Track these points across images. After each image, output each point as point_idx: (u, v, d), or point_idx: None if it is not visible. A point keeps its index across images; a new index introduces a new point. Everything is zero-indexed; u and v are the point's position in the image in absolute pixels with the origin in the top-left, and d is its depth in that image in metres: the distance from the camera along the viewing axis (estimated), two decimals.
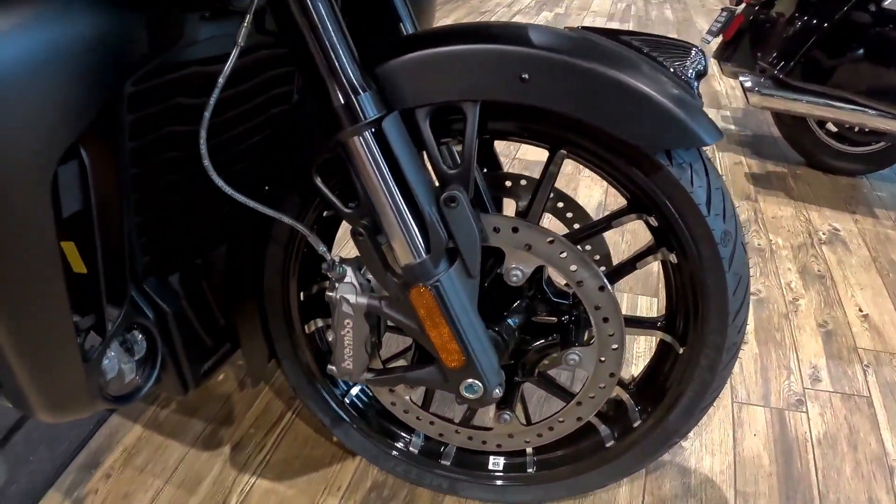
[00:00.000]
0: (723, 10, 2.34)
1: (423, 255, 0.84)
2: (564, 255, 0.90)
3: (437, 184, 0.87)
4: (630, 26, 4.34)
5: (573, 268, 0.91)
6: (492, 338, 0.97)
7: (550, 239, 0.90)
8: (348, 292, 0.90)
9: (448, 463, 1.20)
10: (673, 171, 0.87)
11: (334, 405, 1.20)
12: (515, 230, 0.90)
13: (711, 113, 2.95)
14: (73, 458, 1.34)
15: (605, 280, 0.91)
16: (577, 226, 1.17)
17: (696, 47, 0.92)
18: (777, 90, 2.12)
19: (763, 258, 1.90)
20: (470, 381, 0.91)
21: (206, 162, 0.78)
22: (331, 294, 0.91)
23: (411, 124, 0.85)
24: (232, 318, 1.11)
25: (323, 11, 0.78)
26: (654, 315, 1.04)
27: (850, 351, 1.56)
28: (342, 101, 0.79)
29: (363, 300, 0.90)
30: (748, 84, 2.14)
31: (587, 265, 0.90)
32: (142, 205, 0.92)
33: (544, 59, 0.82)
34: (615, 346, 0.96)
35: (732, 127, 2.81)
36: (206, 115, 0.77)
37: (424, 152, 0.87)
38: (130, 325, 0.95)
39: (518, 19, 4.64)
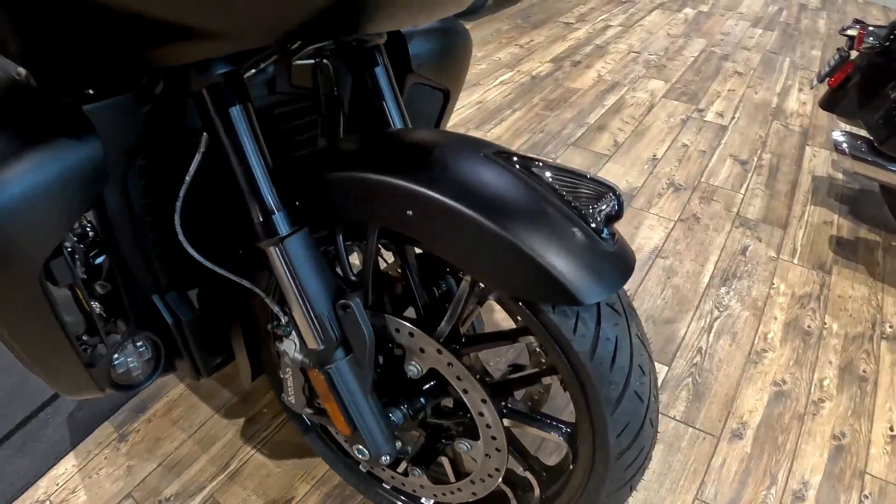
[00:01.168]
0: (837, 50, 2.06)
1: (320, 345, 0.96)
2: (451, 365, 0.97)
3: (344, 287, 0.98)
4: (774, 34, 3.95)
5: (458, 377, 0.97)
6: (391, 412, 1.06)
7: (439, 349, 0.96)
8: (289, 349, 1.02)
9: (388, 487, 1.35)
10: (553, 318, 0.84)
11: (303, 416, 1.36)
12: (411, 335, 0.99)
13: (816, 161, 2.65)
14: (127, 400, 1.68)
15: (486, 394, 0.96)
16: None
17: (614, 190, 0.83)
18: (872, 156, 1.86)
19: (805, 344, 1.72)
20: (358, 446, 1.03)
21: (181, 237, 0.93)
22: (278, 345, 1.04)
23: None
24: (228, 335, 1.28)
25: (248, 147, 0.87)
26: (567, 420, 1.03)
27: (855, 475, 1.40)
28: (259, 219, 0.89)
29: (298, 357, 1.01)
30: (841, 142, 1.89)
31: (469, 379, 0.96)
32: (159, 240, 1.10)
33: (428, 200, 0.84)
34: (498, 448, 1.02)
35: (840, 176, 2.52)
36: (181, 194, 0.92)
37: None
38: (137, 335, 1.17)
39: (659, 14, 4.35)
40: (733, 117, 2.93)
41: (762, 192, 2.37)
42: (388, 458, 1.03)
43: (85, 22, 0.76)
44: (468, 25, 4.29)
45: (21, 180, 0.81)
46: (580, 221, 0.83)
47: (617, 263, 0.83)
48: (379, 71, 1.12)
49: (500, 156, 0.89)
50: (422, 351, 0.99)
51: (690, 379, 1.63)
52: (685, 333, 1.75)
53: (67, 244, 1.03)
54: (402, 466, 1.24)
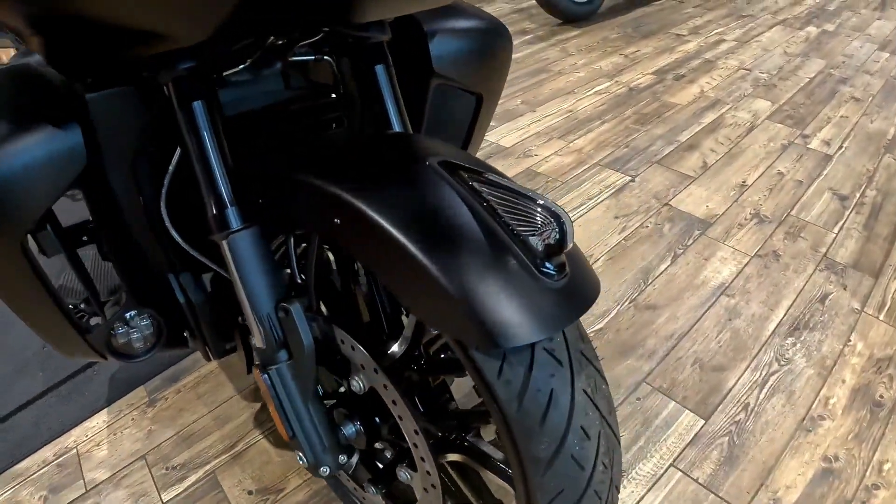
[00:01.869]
0: None
1: (262, 344, 0.93)
2: (386, 387, 0.89)
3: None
4: None
5: (394, 402, 0.90)
6: (344, 425, 1.00)
7: (375, 368, 0.90)
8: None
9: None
10: (478, 357, 0.71)
11: None
12: (353, 349, 0.92)
13: None
14: (163, 370, 1.77)
15: (419, 425, 0.87)
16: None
17: (560, 218, 0.67)
18: None
19: (872, 416, 1.45)
20: (298, 451, 0.99)
21: (167, 222, 0.98)
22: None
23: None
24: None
25: (207, 142, 0.86)
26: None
27: None
28: (213, 212, 0.88)
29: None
30: None
31: (402, 406, 0.88)
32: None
33: (353, 210, 0.75)
34: (433, 485, 0.95)
35: None
36: (166, 182, 0.95)
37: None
38: (139, 311, 1.18)
39: (780, 29, 3.95)
40: (841, 147, 2.58)
41: (858, 234, 2.06)
42: (327, 469, 0.98)
43: (44, 16, 0.76)
44: (576, 31, 4.09)
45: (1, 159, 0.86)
46: (517, 252, 0.69)
47: (559, 302, 0.68)
48: (379, 69, 1.01)
49: (448, 167, 0.78)
50: (362, 367, 0.92)
51: (727, 438, 1.40)
52: (734, 385, 1.52)
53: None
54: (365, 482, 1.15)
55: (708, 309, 1.76)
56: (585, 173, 2.49)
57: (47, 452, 1.63)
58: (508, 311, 0.65)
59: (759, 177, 2.36)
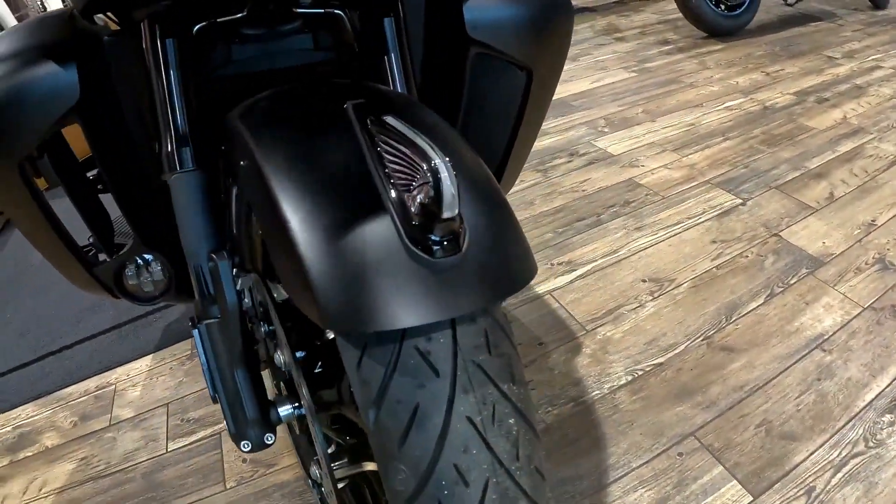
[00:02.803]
0: None
1: (197, 296, 0.85)
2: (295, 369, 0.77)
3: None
4: None
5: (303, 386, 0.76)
6: (280, 403, 0.86)
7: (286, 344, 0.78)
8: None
9: None
10: (338, 342, 0.56)
11: None
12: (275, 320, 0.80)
13: None
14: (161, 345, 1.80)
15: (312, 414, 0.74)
16: None
17: (439, 169, 0.47)
18: None
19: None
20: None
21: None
22: None
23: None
24: None
25: (173, 80, 0.81)
26: None
27: None
28: (166, 150, 0.82)
29: None
30: None
31: (308, 398, 0.74)
32: None
33: (250, 153, 0.66)
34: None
35: None
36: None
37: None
38: (150, 254, 1.16)
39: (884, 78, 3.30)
40: None
41: None
42: (248, 444, 0.86)
43: None
44: (719, 45, 3.68)
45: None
46: (393, 216, 0.52)
47: (440, 286, 0.50)
48: (387, 23, 0.88)
49: (361, 110, 0.64)
50: (283, 342, 0.80)
51: None
52: (803, 460, 1.20)
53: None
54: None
55: (795, 362, 1.43)
56: (692, 190, 2.17)
57: (91, 384, 1.68)
58: (364, 288, 0.49)
59: (893, 217, 1.93)
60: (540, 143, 2.73)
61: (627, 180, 2.30)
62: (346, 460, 0.83)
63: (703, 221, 1.98)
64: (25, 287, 2.61)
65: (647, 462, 1.22)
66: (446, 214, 0.49)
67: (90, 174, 1.30)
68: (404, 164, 0.52)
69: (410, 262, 0.50)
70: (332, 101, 0.70)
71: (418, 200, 0.49)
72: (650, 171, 2.33)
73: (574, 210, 2.16)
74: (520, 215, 2.19)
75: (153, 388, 1.62)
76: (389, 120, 0.59)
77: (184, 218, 0.83)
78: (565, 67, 3.73)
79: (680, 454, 1.23)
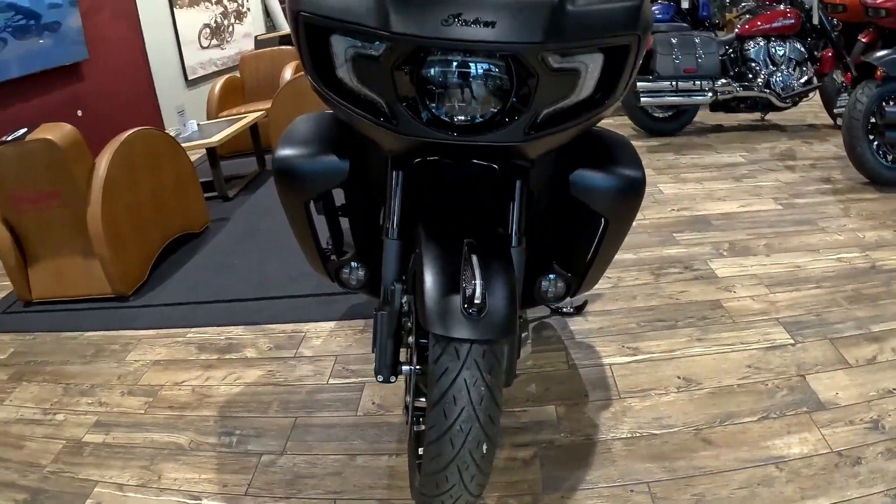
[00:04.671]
0: None
1: (381, 296, 1.52)
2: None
3: None
4: None
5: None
6: None
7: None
8: None
9: None
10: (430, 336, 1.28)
11: None
12: None
13: None
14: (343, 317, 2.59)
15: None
16: None
17: (476, 286, 1.25)
18: None
19: None
20: None
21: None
22: None
23: None
24: None
25: (398, 187, 1.50)
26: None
27: None
28: (386, 224, 1.51)
29: None
30: None
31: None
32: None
33: (418, 238, 1.41)
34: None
35: None
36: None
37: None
38: (357, 263, 1.82)
39: None
40: None
41: None
42: (381, 377, 1.44)
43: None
44: (874, 195, 3.72)
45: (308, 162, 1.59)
46: (461, 298, 1.25)
47: (470, 329, 1.25)
48: (518, 183, 1.41)
49: (470, 245, 1.33)
50: (413, 332, 1.47)
51: None
52: None
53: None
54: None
55: (749, 466, 1.78)
56: (760, 322, 2.51)
57: (288, 327, 2.58)
58: (445, 320, 1.19)
59: None
60: (667, 251, 3.18)
61: (714, 300, 2.70)
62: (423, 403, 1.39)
63: (751, 349, 2.35)
64: (252, 245, 3.68)
65: (608, 487, 1.77)
66: (479, 307, 1.18)
67: (339, 205, 1.86)
68: (470, 276, 1.20)
69: (461, 317, 1.20)
70: (461, 233, 1.32)
71: (467, 292, 1.18)
72: (737, 298, 2.70)
73: (662, 312, 2.63)
74: (619, 305, 2.72)
75: (330, 343, 2.48)
76: (474, 258, 1.25)
77: (385, 260, 1.42)
78: (725, 185, 4.05)
79: (632, 491, 1.75)
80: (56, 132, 2.89)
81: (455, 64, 1.20)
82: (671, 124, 5.24)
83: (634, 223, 3.49)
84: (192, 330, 2.85)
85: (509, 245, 1.42)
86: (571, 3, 1.17)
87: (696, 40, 4.79)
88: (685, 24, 5.38)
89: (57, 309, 3.23)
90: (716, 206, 3.74)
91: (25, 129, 2.95)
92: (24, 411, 2.45)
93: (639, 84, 4.86)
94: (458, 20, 1.11)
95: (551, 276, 1.83)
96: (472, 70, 1.21)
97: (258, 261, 3.51)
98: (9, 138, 2.95)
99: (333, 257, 1.84)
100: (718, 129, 5.40)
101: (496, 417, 1.26)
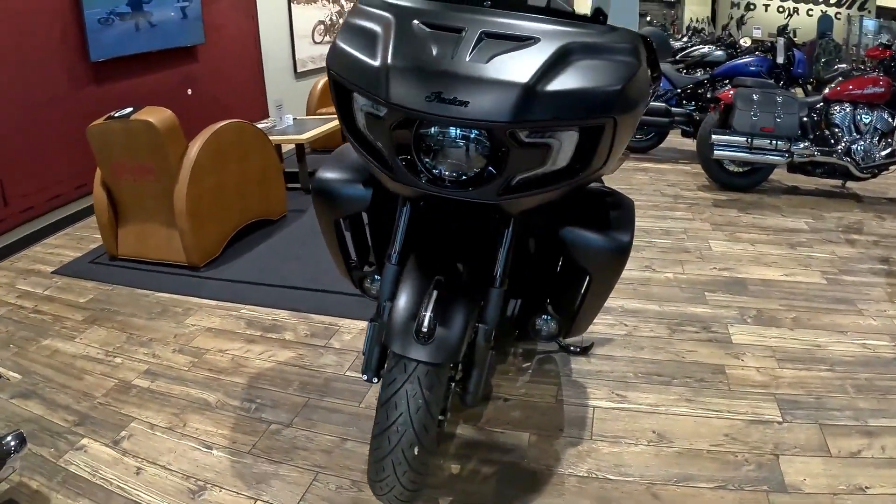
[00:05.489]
0: None
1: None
2: None
3: None
4: None
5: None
6: None
7: None
8: None
9: None
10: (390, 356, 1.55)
11: None
12: None
13: None
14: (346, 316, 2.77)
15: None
16: None
17: (424, 320, 1.54)
18: None
19: None
20: None
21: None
22: None
23: None
24: None
25: (404, 219, 1.72)
26: None
27: None
28: (389, 249, 1.70)
29: None
30: None
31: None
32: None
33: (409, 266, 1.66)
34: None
35: None
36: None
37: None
38: (377, 274, 2.00)
39: None
40: None
41: None
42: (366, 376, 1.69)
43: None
44: None
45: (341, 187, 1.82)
46: (416, 323, 1.51)
47: (418, 352, 1.49)
48: (506, 232, 1.56)
49: (439, 283, 1.57)
50: None
51: None
52: None
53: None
54: None
55: None
56: (756, 395, 2.51)
57: (326, 319, 2.92)
58: (400, 341, 1.45)
59: (885, 493, 2.10)
60: (692, 308, 3.20)
61: (719, 365, 2.73)
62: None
63: (735, 419, 2.39)
64: (318, 239, 3.97)
65: None
66: (425, 336, 1.43)
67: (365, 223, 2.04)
68: (425, 308, 1.45)
69: (412, 341, 1.45)
70: (435, 271, 1.55)
71: (420, 321, 1.43)
72: (741, 367, 2.72)
73: (662, 367, 2.71)
74: (624, 353, 2.82)
75: (358, 340, 2.76)
76: (434, 293, 1.49)
77: (383, 280, 1.63)
78: (777, 251, 3.98)
79: None
80: (157, 116, 3.34)
81: (434, 129, 1.40)
82: (745, 180, 5.15)
83: (671, 275, 3.59)
84: (246, 306, 3.22)
85: (476, 285, 1.59)
86: (546, 83, 1.30)
87: (778, 99, 4.69)
88: (770, 81, 5.24)
89: (137, 267, 3.74)
90: (759, 270, 3.70)
91: (132, 109, 3.41)
92: (90, 350, 2.91)
93: (713, 136, 4.83)
94: (439, 98, 1.28)
95: (545, 316, 1.97)
96: (455, 135, 1.40)
97: (319, 254, 3.86)
98: (116, 115, 3.42)
99: (357, 268, 2.05)
100: (793, 191, 5.24)
101: (430, 427, 1.48)
